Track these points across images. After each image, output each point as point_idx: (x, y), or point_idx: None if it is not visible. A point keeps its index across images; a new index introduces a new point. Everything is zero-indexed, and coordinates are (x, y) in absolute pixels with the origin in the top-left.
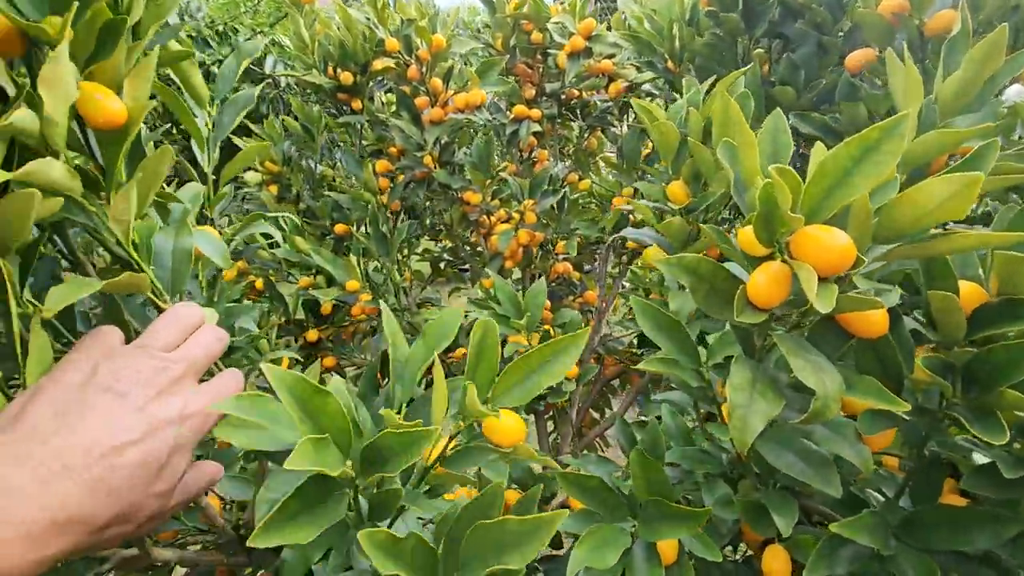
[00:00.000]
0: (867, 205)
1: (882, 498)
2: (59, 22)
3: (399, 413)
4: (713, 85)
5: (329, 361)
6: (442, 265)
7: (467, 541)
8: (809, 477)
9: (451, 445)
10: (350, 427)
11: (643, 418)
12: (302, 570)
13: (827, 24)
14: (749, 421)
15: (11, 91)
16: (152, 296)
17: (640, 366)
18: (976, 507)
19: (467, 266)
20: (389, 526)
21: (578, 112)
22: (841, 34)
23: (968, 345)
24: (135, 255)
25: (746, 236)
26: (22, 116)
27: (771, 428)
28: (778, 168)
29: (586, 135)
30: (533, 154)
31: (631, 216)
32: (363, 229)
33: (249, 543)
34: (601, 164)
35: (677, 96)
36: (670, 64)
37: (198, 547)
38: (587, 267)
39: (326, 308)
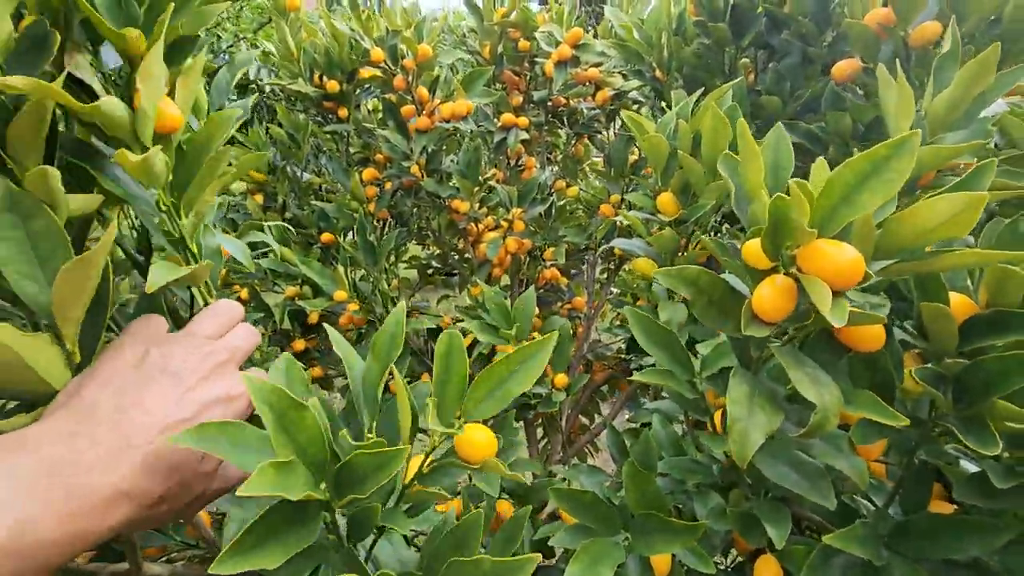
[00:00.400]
0: (871, 221)
1: (871, 506)
2: (138, 34)
3: (369, 432)
4: (702, 97)
5: (317, 371)
6: (430, 272)
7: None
8: (804, 489)
9: (427, 461)
10: (326, 445)
11: (633, 425)
12: None
13: (812, 35)
14: (749, 435)
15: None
16: (202, 289)
17: (635, 378)
18: (966, 516)
19: (456, 272)
20: (371, 546)
21: (565, 119)
22: (826, 45)
23: (959, 356)
24: (195, 249)
25: (752, 249)
26: (111, 103)
27: (766, 440)
28: (797, 182)
29: (573, 142)
30: (521, 161)
31: (618, 224)
32: (350, 237)
33: (211, 570)
34: (588, 170)
35: (664, 104)
36: (658, 73)
37: (183, 561)
38: (574, 272)
39: (313, 318)
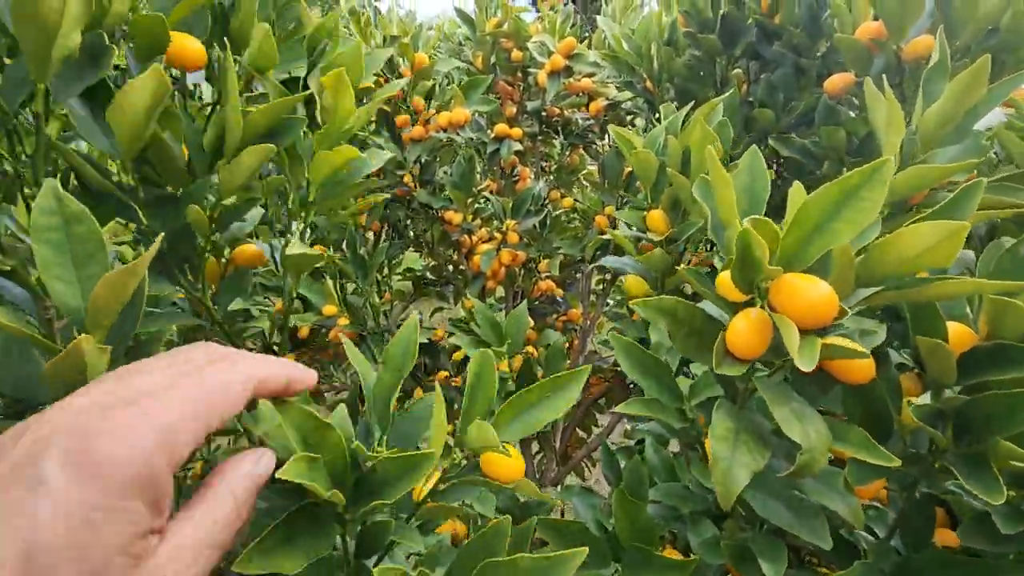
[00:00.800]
0: (850, 252)
1: (871, 537)
2: None
3: (379, 445)
4: (693, 110)
5: None
6: (424, 283)
7: None
8: (797, 528)
9: (443, 478)
10: (347, 460)
11: (629, 441)
12: None
13: (804, 46)
14: (733, 474)
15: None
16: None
17: (619, 409)
18: (972, 556)
19: (451, 283)
20: (376, 563)
21: (559, 130)
22: (819, 56)
23: (959, 389)
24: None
25: (724, 282)
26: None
27: (757, 475)
28: (753, 219)
29: (567, 152)
30: (515, 172)
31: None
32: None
33: (236, 568)
34: (583, 181)
35: (657, 116)
36: (648, 84)
37: None
38: (570, 283)
39: (303, 332)
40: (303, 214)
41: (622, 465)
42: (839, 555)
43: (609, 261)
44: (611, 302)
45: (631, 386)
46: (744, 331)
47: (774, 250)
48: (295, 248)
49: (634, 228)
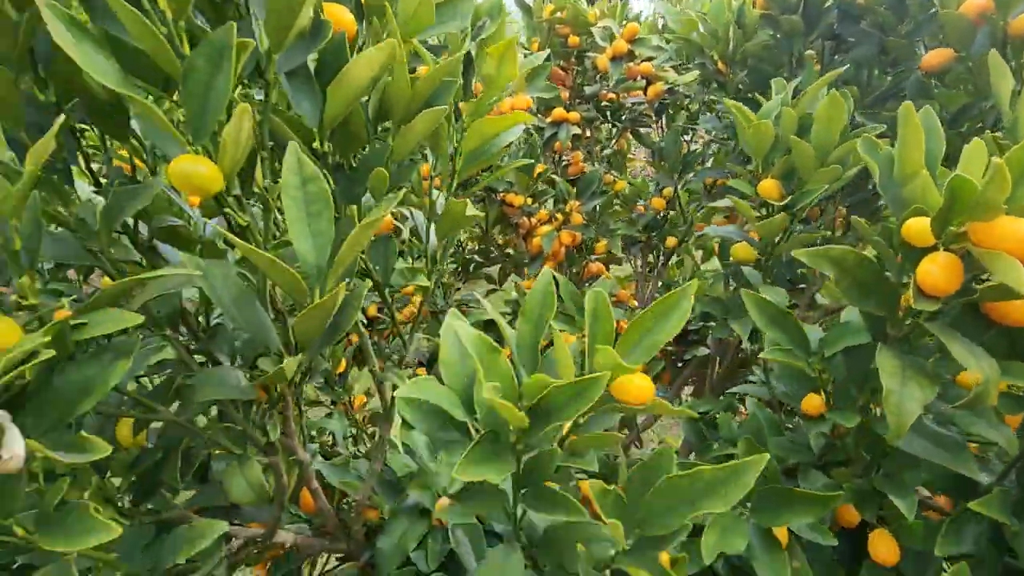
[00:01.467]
0: None
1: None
2: None
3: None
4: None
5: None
6: (471, 266)
7: (654, 495)
8: (946, 460)
9: (584, 412)
10: (514, 381)
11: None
12: (398, 559)
13: (890, 25)
14: (904, 406)
15: None
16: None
17: (764, 355)
18: None
19: (497, 264)
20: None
21: (610, 114)
22: (903, 35)
23: None
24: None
25: (916, 227)
26: None
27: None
28: (1000, 161)
29: (617, 137)
30: (566, 156)
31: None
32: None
33: (455, 474)
34: (632, 164)
35: (712, 98)
36: (720, 66)
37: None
38: (612, 266)
39: (371, 310)
40: (450, 181)
41: (704, 431)
42: (958, 491)
43: (714, 230)
44: (660, 283)
45: (679, 365)
46: (937, 271)
47: (975, 196)
48: (374, 213)
49: (739, 197)
